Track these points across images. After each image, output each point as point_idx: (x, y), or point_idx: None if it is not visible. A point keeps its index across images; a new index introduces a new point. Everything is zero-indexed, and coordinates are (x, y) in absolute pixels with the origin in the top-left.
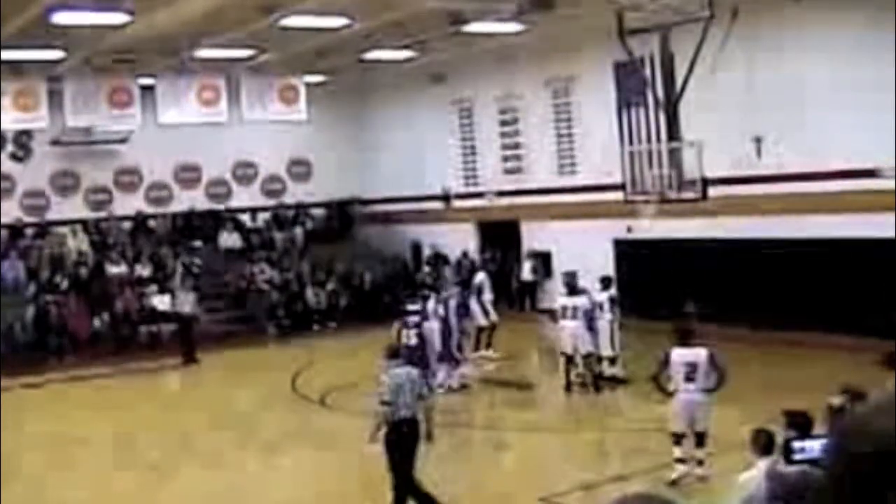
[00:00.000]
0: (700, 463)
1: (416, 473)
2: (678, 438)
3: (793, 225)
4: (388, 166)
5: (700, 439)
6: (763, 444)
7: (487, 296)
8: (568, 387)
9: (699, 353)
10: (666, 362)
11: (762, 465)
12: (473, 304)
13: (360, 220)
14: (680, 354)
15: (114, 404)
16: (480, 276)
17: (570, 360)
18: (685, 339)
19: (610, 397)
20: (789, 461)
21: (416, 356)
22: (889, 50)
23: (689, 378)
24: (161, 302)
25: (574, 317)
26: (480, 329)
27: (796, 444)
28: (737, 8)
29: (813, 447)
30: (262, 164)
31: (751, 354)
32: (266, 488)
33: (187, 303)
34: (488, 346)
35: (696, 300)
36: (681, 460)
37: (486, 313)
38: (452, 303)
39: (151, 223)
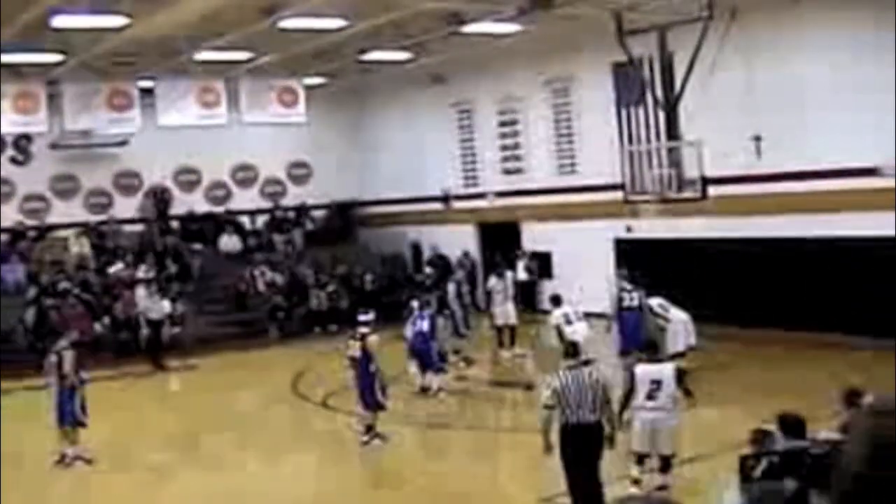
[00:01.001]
0: (662, 488)
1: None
2: (640, 458)
3: (793, 224)
4: (387, 168)
5: (665, 464)
6: (763, 443)
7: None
8: None
9: (664, 370)
10: (632, 379)
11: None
12: (510, 305)
13: (359, 222)
14: (644, 371)
15: (114, 406)
16: (508, 276)
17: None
18: (651, 353)
19: None
20: (745, 479)
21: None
22: (889, 50)
23: (651, 396)
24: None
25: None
26: (500, 329)
27: (751, 462)
28: (735, 8)
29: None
30: (262, 167)
31: (751, 353)
32: (267, 489)
33: (154, 309)
34: (512, 344)
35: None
36: (636, 481)
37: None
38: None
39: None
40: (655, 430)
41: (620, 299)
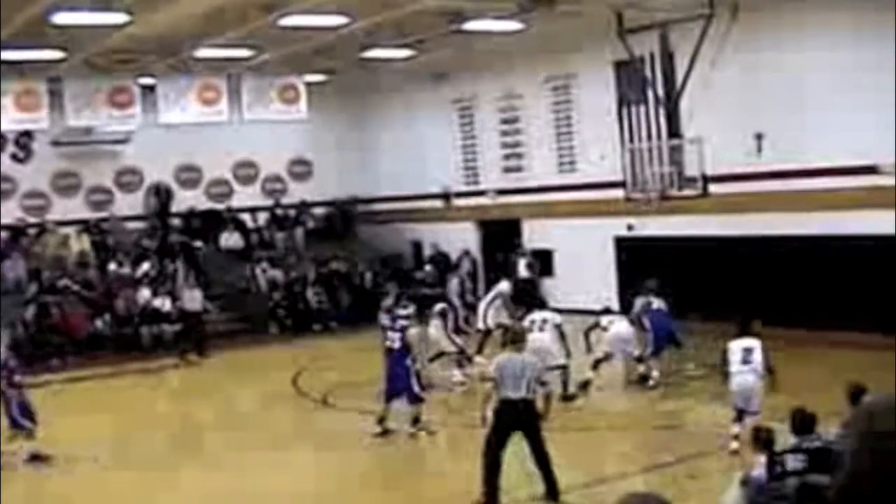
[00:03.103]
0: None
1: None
2: (739, 414)
3: (794, 221)
4: (388, 165)
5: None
6: (763, 440)
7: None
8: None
9: (753, 341)
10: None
11: (763, 460)
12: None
13: (360, 220)
14: (735, 344)
15: (115, 404)
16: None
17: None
18: (746, 330)
19: (611, 396)
20: (773, 477)
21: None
22: (889, 48)
23: (745, 361)
24: (163, 304)
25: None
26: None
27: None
28: (736, 6)
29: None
30: (263, 164)
31: None
32: (267, 488)
33: (194, 300)
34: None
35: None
36: (736, 436)
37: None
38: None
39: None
40: (748, 389)
41: (649, 303)
